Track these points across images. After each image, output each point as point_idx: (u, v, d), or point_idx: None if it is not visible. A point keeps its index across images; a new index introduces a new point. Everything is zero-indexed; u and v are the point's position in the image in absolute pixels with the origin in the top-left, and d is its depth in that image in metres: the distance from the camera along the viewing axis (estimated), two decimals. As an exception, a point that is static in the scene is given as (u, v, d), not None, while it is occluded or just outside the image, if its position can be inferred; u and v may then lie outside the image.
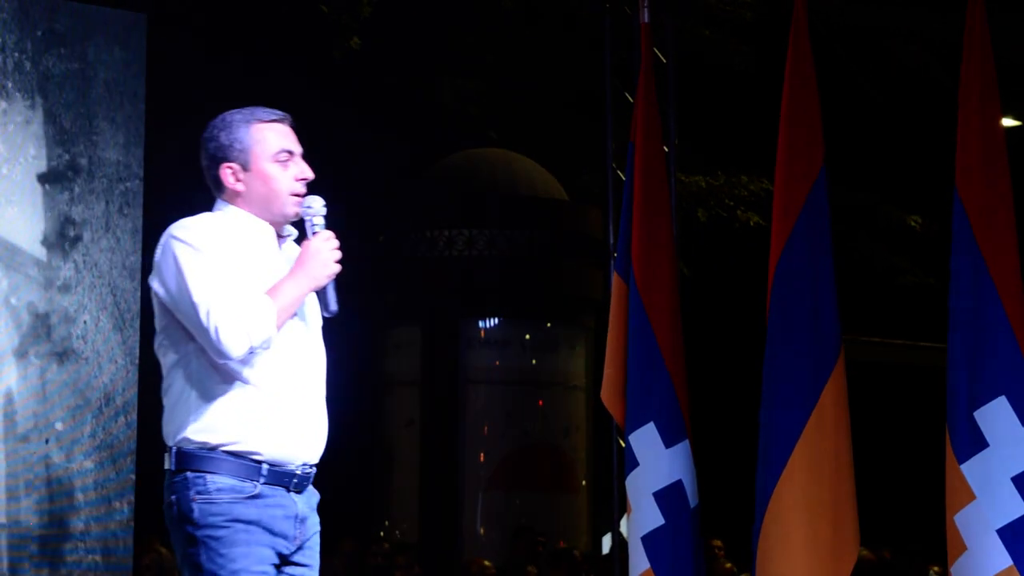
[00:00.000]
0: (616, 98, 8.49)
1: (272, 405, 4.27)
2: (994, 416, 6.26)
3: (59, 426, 7.72)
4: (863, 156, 13.92)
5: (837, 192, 7.42)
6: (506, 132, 14.30)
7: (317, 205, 4.40)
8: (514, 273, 13.27)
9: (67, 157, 7.85)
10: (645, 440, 7.27)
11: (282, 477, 4.31)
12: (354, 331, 13.29)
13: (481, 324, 13.46)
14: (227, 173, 4.38)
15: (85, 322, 7.78)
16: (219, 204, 4.42)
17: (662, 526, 7.18)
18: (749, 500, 6.86)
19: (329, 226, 4.43)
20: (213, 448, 4.25)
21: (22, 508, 7.64)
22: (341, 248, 4.40)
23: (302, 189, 4.41)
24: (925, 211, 14.12)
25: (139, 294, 7.88)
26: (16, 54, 7.73)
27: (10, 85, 7.53)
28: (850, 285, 8.45)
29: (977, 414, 6.27)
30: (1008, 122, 11.55)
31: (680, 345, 7.44)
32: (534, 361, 13.40)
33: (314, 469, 4.43)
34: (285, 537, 4.31)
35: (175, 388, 4.32)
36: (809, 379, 6.70)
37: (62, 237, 7.78)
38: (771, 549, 6.69)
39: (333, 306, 4.38)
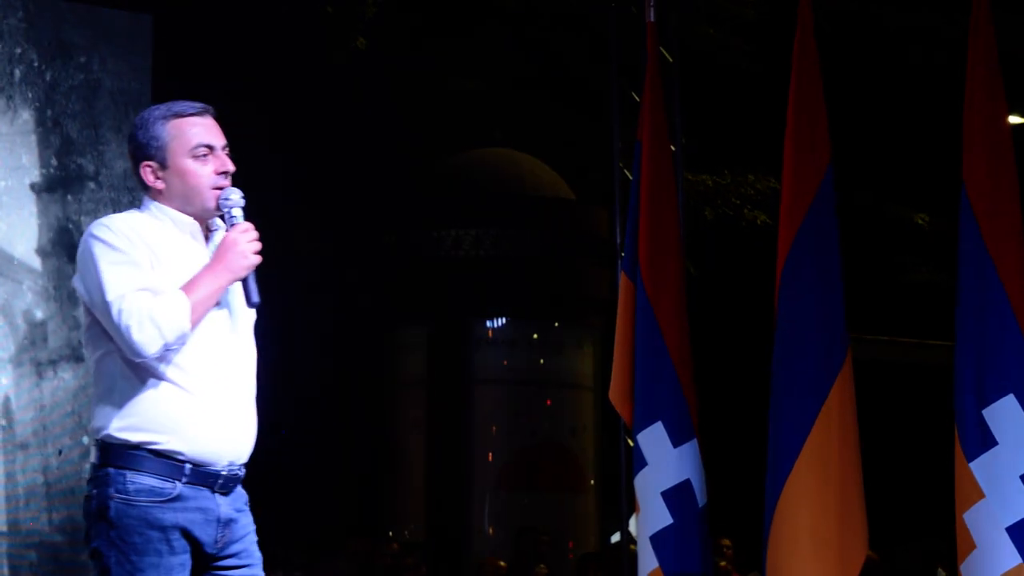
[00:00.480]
0: (622, 97, 8.49)
1: (195, 402, 4.24)
2: (1003, 414, 6.25)
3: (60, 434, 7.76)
4: (870, 153, 13.90)
5: (844, 190, 7.41)
6: (512, 131, 14.29)
7: (235, 197, 4.35)
8: (521, 273, 13.26)
9: (74, 166, 7.88)
10: (653, 439, 7.26)
11: (206, 477, 4.27)
12: (361, 332, 13.30)
13: (488, 324, 13.45)
14: (147, 171, 4.37)
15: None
16: (145, 201, 4.40)
17: (670, 525, 7.17)
18: (758, 499, 6.85)
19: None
20: (136, 446, 4.22)
21: (20, 516, 7.64)
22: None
23: (223, 182, 4.35)
24: (932, 208, 14.10)
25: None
26: (23, 64, 7.74)
27: (17, 95, 7.54)
28: (857, 283, 8.44)
29: (986, 412, 6.26)
30: (1014, 119, 11.53)
31: (687, 344, 7.43)
32: (541, 361, 13.39)
33: (242, 470, 4.39)
34: (204, 543, 4.28)
35: (100, 383, 4.29)
36: (817, 378, 6.69)
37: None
38: (780, 548, 6.69)
39: (255, 297, 4.31)
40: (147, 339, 4.14)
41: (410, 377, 13.44)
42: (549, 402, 13.38)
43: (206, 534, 4.28)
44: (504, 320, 13.47)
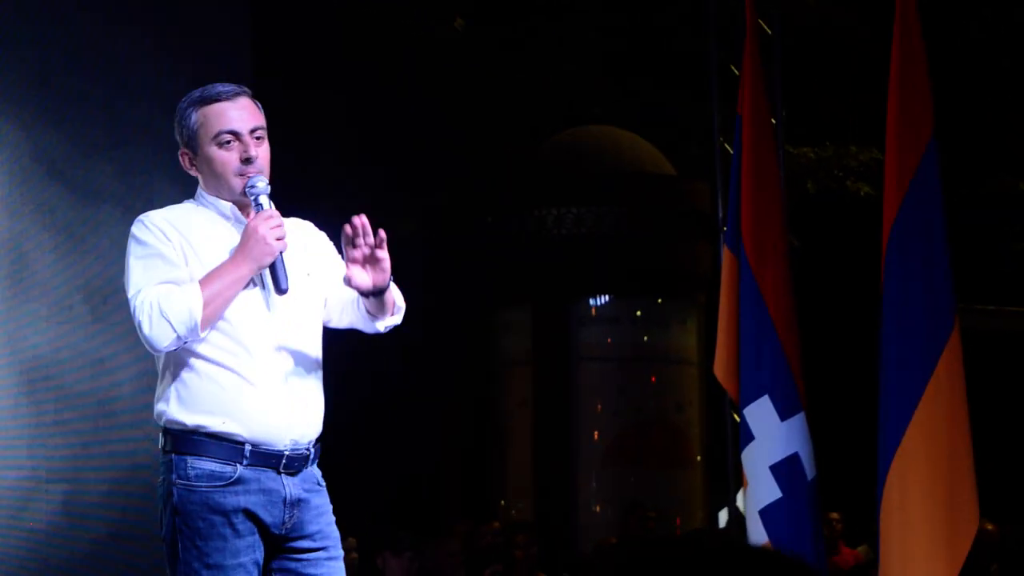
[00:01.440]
0: (722, 71, 8.45)
1: (248, 384, 4.26)
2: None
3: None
4: (974, 121, 13.76)
5: (948, 158, 7.35)
6: (612, 108, 14.27)
7: (261, 184, 4.35)
8: (623, 250, 13.25)
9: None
10: (760, 413, 7.24)
11: (268, 458, 4.28)
12: (464, 312, 13.35)
13: (592, 302, 13.45)
14: (184, 159, 4.43)
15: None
16: (198, 190, 4.45)
17: (780, 499, 7.15)
18: (867, 471, 6.81)
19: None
20: (193, 430, 4.26)
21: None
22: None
23: (247, 169, 4.35)
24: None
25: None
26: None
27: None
28: (963, 253, 8.37)
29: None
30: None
31: (792, 317, 7.40)
32: (645, 337, 13.37)
33: (310, 449, 4.38)
34: (270, 524, 4.29)
35: (160, 370, 4.36)
36: (925, 348, 6.64)
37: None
38: (891, 520, 6.65)
39: (283, 284, 4.30)
40: (158, 334, 4.18)
41: (515, 356, 13.47)
42: (654, 379, 13.36)
43: (271, 516, 4.29)
44: (607, 297, 13.46)
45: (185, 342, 4.21)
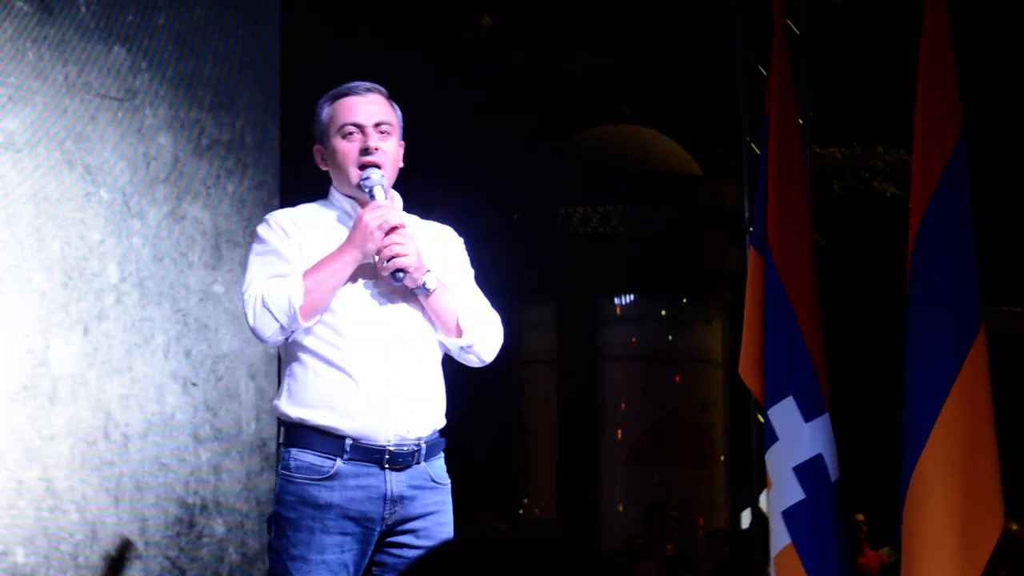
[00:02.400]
0: (749, 70, 8.44)
1: (349, 379, 4.26)
2: None
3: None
4: (1002, 121, 13.71)
5: (975, 158, 7.32)
6: (638, 107, 14.26)
7: (375, 176, 4.36)
8: (649, 249, 13.25)
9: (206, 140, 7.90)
10: (784, 414, 7.22)
11: (370, 453, 4.27)
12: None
13: (617, 300, 13.45)
14: (317, 155, 4.49)
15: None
16: (330, 188, 4.51)
17: (803, 500, 7.12)
18: (891, 473, 6.79)
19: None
20: (299, 423, 4.29)
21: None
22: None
23: (364, 159, 4.38)
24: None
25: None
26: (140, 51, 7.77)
27: (138, 83, 7.57)
28: (990, 254, 8.33)
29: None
30: None
31: (818, 318, 7.37)
32: (670, 337, 13.37)
33: (419, 445, 4.34)
34: (369, 519, 4.27)
35: (284, 364, 4.42)
36: (950, 350, 6.61)
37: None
38: (915, 522, 6.63)
39: (399, 278, 4.27)
40: (262, 324, 4.23)
41: (540, 354, 13.48)
42: (678, 378, 13.36)
43: (369, 511, 4.27)
44: (632, 296, 13.46)
45: (291, 332, 4.26)
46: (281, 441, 4.37)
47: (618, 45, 14.07)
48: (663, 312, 13.40)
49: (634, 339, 13.31)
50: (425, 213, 4.66)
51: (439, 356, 4.45)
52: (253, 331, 4.27)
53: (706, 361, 13.44)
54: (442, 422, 4.47)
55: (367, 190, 4.36)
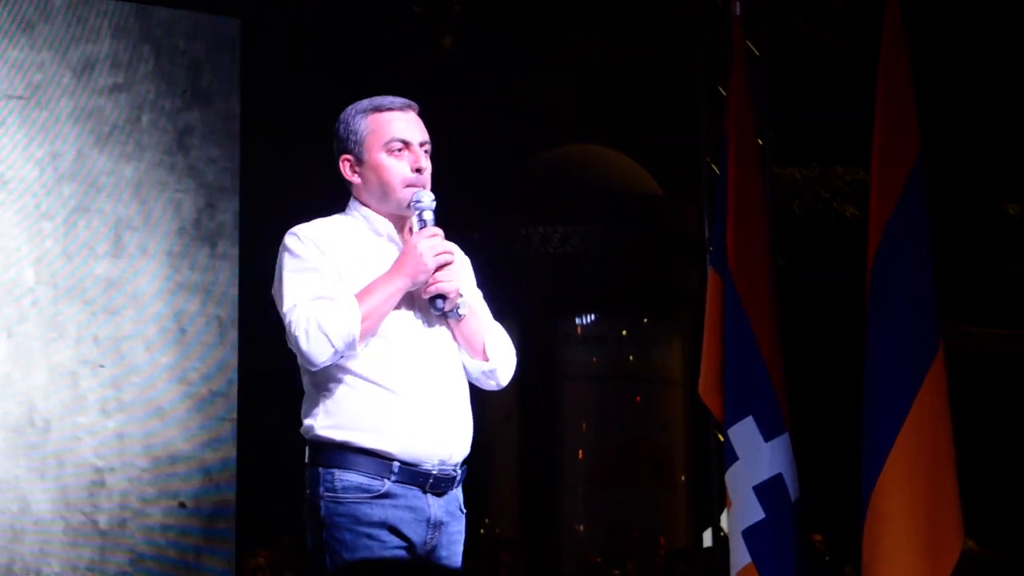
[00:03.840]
0: (710, 92, 8.46)
1: (399, 401, 4.16)
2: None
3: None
4: (961, 143, 13.78)
5: (934, 180, 7.36)
6: (600, 128, 14.28)
7: (427, 200, 4.27)
8: (610, 269, 13.26)
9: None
10: (744, 434, 7.24)
11: (416, 476, 4.18)
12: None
13: (577, 320, 13.45)
14: (345, 165, 4.33)
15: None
16: (350, 201, 4.37)
17: (763, 520, 7.14)
18: (850, 493, 6.82)
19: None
20: (343, 444, 4.16)
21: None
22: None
23: (417, 180, 4.28)
24: (1024, 199, 13.97)
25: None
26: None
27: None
28: (949, 274, 8.38)
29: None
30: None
31: (777, 338, 7.40)
32: (631, 357, 13.38)
33: (457, 471, 4.29)
34: (414, 543, 4.20)
35: (306, 382, 4.27)
36: (909, 369, 6.65)
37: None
38: (875, 541, 6.65)
39: (439, 305, 4.22)
40: (316, 349, 4.09)
41: (500, 374, 13.46)
42: (639, 398, 13.37)
43: (415, 534, 4.20)
44: (593, 316, 13.47)
45: (341, 357, 4.13)
46: (317, 462, 4.21)
47: (580, 66, 14.09)
48: (624, 332, 13.41)
49: (595, 359, 13.32)
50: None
51: (466, 379, 4.40)
52: (304, 354, 4.11)
53: (667, 381, 13.45)
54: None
55: (418, 212, 4.27)
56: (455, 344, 4.34)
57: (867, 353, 6.78)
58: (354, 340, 4.11)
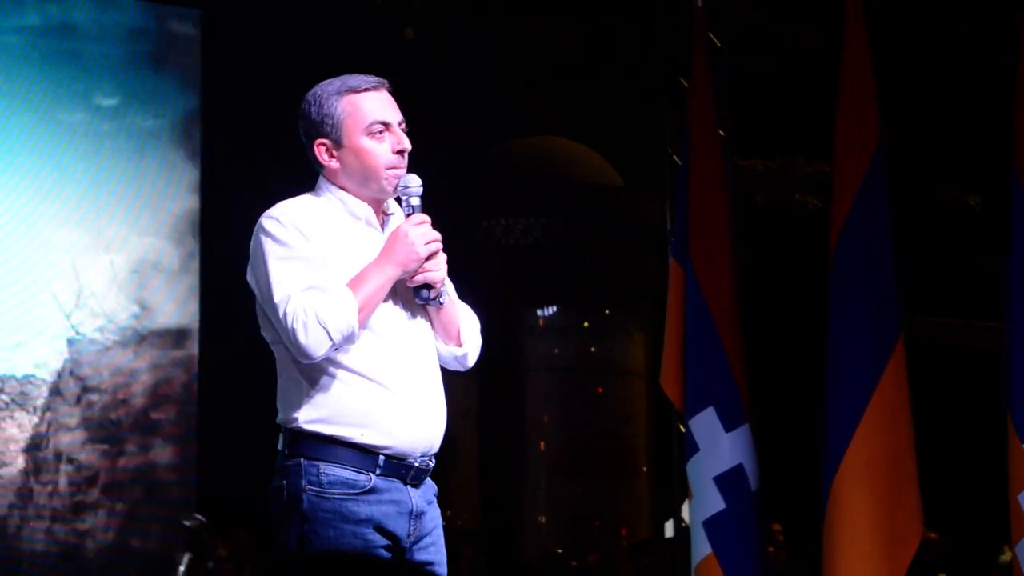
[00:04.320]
0: (671, 83, 8.47)
1: (387, 394, 4.08)
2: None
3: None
4: (921, 135, 13.83)
5: (895, 171, 7.38)
6: (561, 119, 14.27)
7: (414, 184, 4.18)
8: (571, 261, 13.26)
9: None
10: (705, 425, 7.25)
11: (399, 469, 4.11)
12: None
13: (539, 312, 13.45)
14: (321, 150, 4.17)
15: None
16: (320, 183, 4.21)
17: (723, 510, 7.15)
18: (810, 483, 6.84)
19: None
20: (329, 437, 4.07)
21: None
22: None
23: (400, 162, 4.19)
24: (984, 190, 14.02)
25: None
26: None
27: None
28: (909, 265, 8.39)
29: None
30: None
31: (739, 329, 7.41)
32: (593, 348, 13.39)
33: (432, 461, 4.22)
34: (398, 536, 4.13)
35: (284, 371, 4.15)
36: (869, 360, 6.67)
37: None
38: (835, 531, 6.67)
39: (424, 295, 4.15)
40: (314, 342, 3.97)
41: (461, 366, 13.46)
42: (600, 390, 13.38)
43: (399, 527, 4.13)
44: (555, 308, 13.47)
45: (336, 349, 4.03)
46: (299, 453, 4.08)
47: (540, 57, 14.08)
48: (585, 324, 13.42)
49: (557, 351, 13.32)
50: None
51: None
52: (302, 348, 3.98)
53: (628, 372, 13.47)
54: None
55: (406, 198, 4.18)
56: (431, 331, 4.28)
57: (828, 344, 6.81)
58: (352, 332, 4.01)
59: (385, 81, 4.29)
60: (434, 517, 4.27)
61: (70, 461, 7.95)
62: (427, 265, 4.15)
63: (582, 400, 13.27)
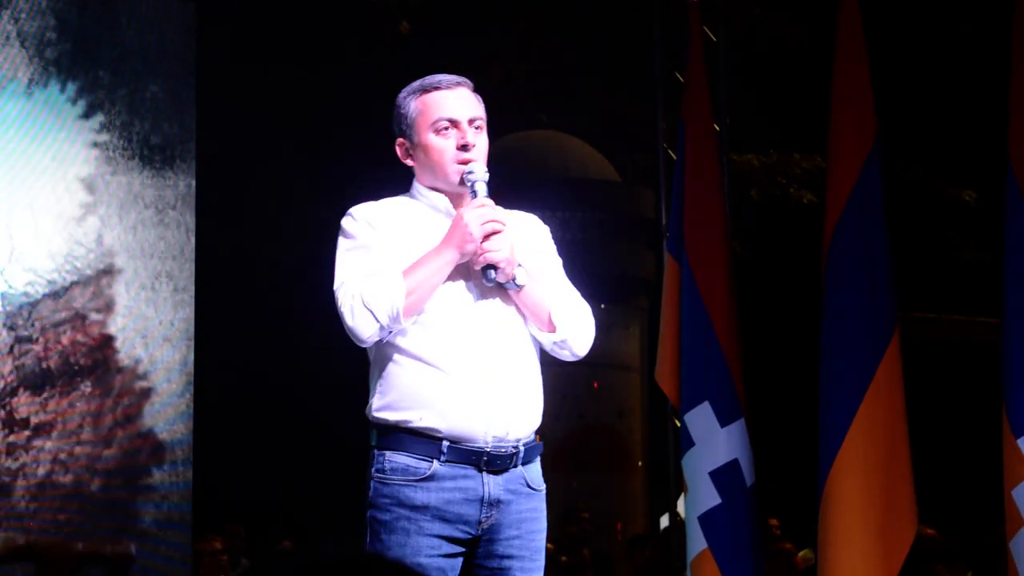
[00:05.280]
0: (667, 78, 8.47)
1: (445, 377, 4.11)
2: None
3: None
4: (917, 130, 13.84)
5: (890, 167, 7.39)
6: (557, 114, 14.29)
7: (479, 171, 4.24)
8: (567, 255, 13.21)
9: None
10: (700, 419, 7.25)
11: (468, 455, 4.13)
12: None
13: (535, 306, 13.45)
14: (400, 149, 4.33)
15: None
16: (412, 182, 4.35)
17: (719, 505, 7.16)
18: (806, 478, 6.85)
19: None
20: (394, 425, 4.14)
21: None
22: None
23: (466, 156, 4.24)
24: (980, 186, 14.04)
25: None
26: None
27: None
28: (905, 261, 8.41)
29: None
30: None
31: (734, 324, 7.42)
32: (588, 343, 13.38)
33: (519, 448, 4.22)
34: (465, 522, 4.15)
35: (370, 364, 4.26)
36: (864, 356, 6.68)
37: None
38: (831, 526, 6.68)
39: (491, 277, 4.15)
40: (361, 324, 4.07)
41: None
42: (596, 384, 13.38)
43: (465, 513, 4.14)
44: (551, 302, 13.47)
45: (389, 332, 4.10)
46: (373, 444, 4.20)
47: (536, 51, 14.09)
48: (581, 318, 13.41)
49: (552, 345, 13.32)
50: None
51: (536, 354, 4.33)
52: (351, 331, 4.09)
53: (624, 367, 13.46)
54: (539, 423, 4.35)
55: (470, 184, 4.23)
56: (516, 318, 4.26)
57: (823, 339, 6.81)
58: (398, 314, 4.07)
59: (465, 80, 4.38)
60: (524, 511, 4.26)
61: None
62: (485, 246, 4.16)
63: (577, 394, 13.26)
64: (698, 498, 7.21)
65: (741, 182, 13.08)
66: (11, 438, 7.63)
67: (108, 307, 7.94)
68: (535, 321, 4.28)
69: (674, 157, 7.93)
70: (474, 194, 4.23)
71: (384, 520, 4.15)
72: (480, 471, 4.16)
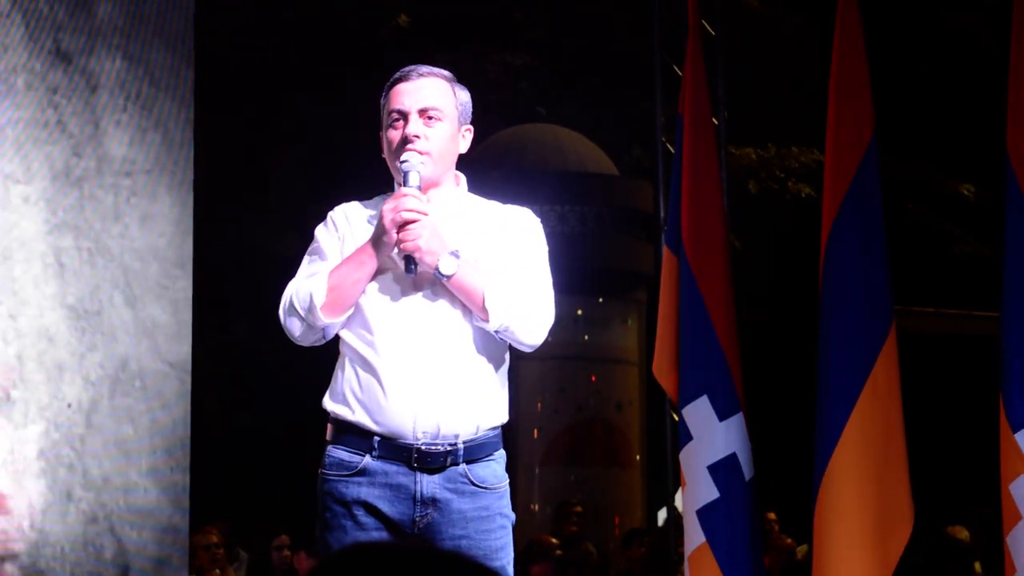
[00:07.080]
0: (665, 71, 8.46)
1: (378, 373, 4.09)
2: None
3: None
4: (915, 125, 13.84)
5: (888, 161, 7.38)
6: (555, 108, 14.28)
7: (413, 160, 4.18)
8: (565, 248, 13.23)
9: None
10: (699, 413, 7.24)
11: (398, 451, 4.09)
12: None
13: (533, 300, 13.45)
14: (382, 145, 4.34)
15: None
16: None
17: (717, 499, 7.15)
18: (804, 472, 6.84)
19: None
20: (335, 419, 4.17)
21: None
22: None
23: (406, 147, 4.19)
24: (978, 180, 14.04)
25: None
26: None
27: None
28: (903, 255, 8.41)
29: (1032, 381, 6.22)
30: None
31: (732, 318, 7.40)
32: (586, 336, 13.39)
33: (452, 446, 4.12)
34: (397, 520, 4.11)
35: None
36: (862, 349, 6.67)
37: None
38: (827, 520, 6.67)
39: (411, 268, 4.09)
40: (288, 322, 4.16)
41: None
42: (594, 378, 13.38)
43: (397, 512, 4.11)
44: (549, 296, 13.46)
45: (320, 330, 4.14)
46: (324, 438, 4.24)
47: (535, 45, 14.08)
48: (579, 312, 13.42)
49: (550, 338, 13.28)
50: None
51: (491, 347, 4.24)
52: (286, 331, 4.17)
53: (622, 361, 13.47)
54: (493, 421, 4.29)
55: (404, 174, 4.18)
56: (459, 314, 4.17)
57: (820, 333, 6.80)
58: (316, 310, 4.08)
59: (436, 70, 4.37)
60: (467, 510, 4.18)
61: None
62: (400, 236, 4.09)
63: (576, 388, 13.28)
64: (696, 492, 7.20)
65: (739, 175, 13.09)
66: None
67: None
68: (474, 310, 4.15)
69: (672, 150, 7.92)
70: (405, 183, 4.17)
71: (324, 517, 4.17)
72: (412, 469, 4.11)
